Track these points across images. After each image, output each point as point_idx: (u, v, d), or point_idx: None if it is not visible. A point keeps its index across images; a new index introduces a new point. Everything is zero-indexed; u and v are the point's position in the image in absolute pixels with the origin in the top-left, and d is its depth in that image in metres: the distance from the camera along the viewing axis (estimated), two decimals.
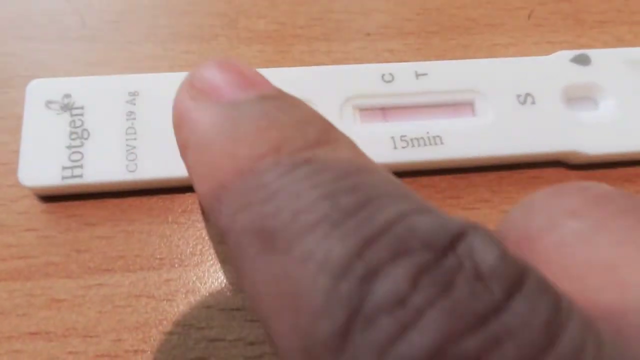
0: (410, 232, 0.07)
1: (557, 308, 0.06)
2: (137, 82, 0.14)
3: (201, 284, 0.13)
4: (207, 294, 0.13)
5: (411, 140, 0.14)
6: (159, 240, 0.14)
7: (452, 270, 0.06)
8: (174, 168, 0.13)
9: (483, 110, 0.15)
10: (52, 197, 0.14)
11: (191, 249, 0.14)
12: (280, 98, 0.09)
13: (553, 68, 0.16)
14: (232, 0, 0.17)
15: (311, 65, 0.16)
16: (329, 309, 0.06)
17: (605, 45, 0.18)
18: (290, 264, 0.07)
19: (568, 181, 0.15)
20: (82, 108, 0.14)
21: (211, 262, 0.13)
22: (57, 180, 0.13)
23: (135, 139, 0.14)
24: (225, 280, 0.13)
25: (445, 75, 0.15)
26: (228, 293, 0.13)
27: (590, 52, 0.16)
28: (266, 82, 0.10)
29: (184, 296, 0.13)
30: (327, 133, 0.09)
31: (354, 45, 0.17)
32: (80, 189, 0.13)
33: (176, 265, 0.13)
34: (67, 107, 0.14)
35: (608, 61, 0.16)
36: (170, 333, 0.13)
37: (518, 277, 0.06)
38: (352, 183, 0.08)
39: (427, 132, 0.15)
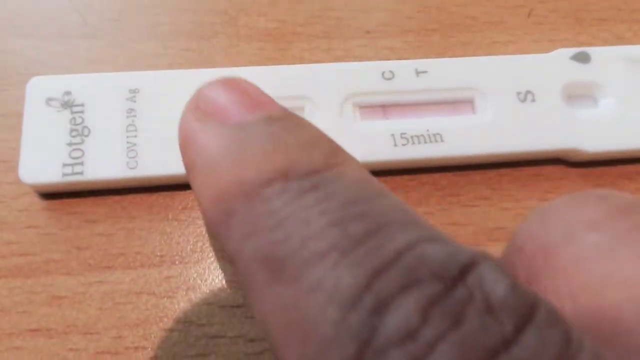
0: (420, 261, 0.07)
1: (568, 340, 0.06)
2: (138, 80, 0.14)
3: (202, 281, 0.13)
4: (208, 291, 0.13)
5: (411, 137, 0.14)
6: (159, 237, 0.14)
7: (463, 301, 0.06)
8: (174, 165, 0.14)
9: (483, 107, 0.15)
10: (52, 195, 0.14)
11: (191, 246, 0.14)
12: (286, 118, 0.09)
13: (553, 66, 0.16)
14: None
15: (311, 63, 0.16)
16: (338, 340, 0.06)
17: (605, 43, 0.18)
18: (299, 293, 0.07)
19: (569, 179, 0.15)
20: (82, 105, 0.14)
21: (212, 259, 0.13)
22: (57, 177, 0.13)
23: (135, 136, 0.14)
24: (225, 278, 0.13)
25: (445, 72, 0.15)
26: (228, 290, 0.13)
27: (590, 50, 0.16)
28: (272, 102, 0.09)
29: (184, 293, 0.13)
30: (334, 155, 0.09)
31: (354, 43, 0.17)
32: (80, 186, 0.13)
33: (177, 263, 0.13)
34: (67, 105, 0.14)
35: (608, 59, 0.16)
36: (171, 330, 0.13)
37: (528, 309, 0.06)
38: (361, 209, 0.07)
39: (427, 130, 0.15)
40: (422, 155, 0.14)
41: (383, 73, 0.15)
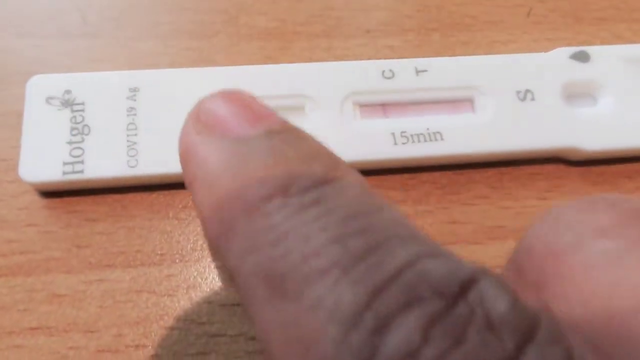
0: (420, 278, 0.07)
1: (569, 358, 0.06)
2: (138, 78, 0.14)
3: (202, 280, 0.13)
4: (208, 290, 0.13)
5: (411, 136, 0.15)
6: (159, 236, 0.14)
7: (464, 319, 0.06)
8: (174, 164, 0.13)
9: (483, 106, 0.15)
10: (52, 193, 0.14)
11: (192, 245, 0.14)
12: (287, 131, 0.09)
13: (552, 65, 0.16)
14: None
15: (311, 62, 0.16)
16: (339, 359, 0.06)
17: (604, 42, 0.18)
18: (299, 310, 0.07)
19: (568, 178, 0.15)
20: (82, 104, 0.14)
21: (212, 257, 0.14)
22: (58, 175, 0.13)
23: (136, 134, 0.14)
24: (225, 276, 0.13)
25: (445, 71, 0.15)
26: (229, 288, 0.13)
27: (590, 49, 0.16)
28: (272, 115, 0.09)
29: (184, 292, 0.13)
30: (334, 168, 0.09)
31: (354, 42, 0.17)
32: (81, 184, 0.13)
33: (177, 261, 0.13)
34: (67, 103, 0.14)
35: (607, 58, 0.16)
36: (171, 328, 0.13)
37: (530, 327, 0.06)
38: (361, 224, 0.07)
39: (427, 128, 0.15)
40: (422, 153, 0.14)
41: (383, 72, 0.15)
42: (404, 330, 0.06)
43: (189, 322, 0.13)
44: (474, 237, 0.14)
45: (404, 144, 0.14)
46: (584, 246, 0.08)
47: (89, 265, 0.13)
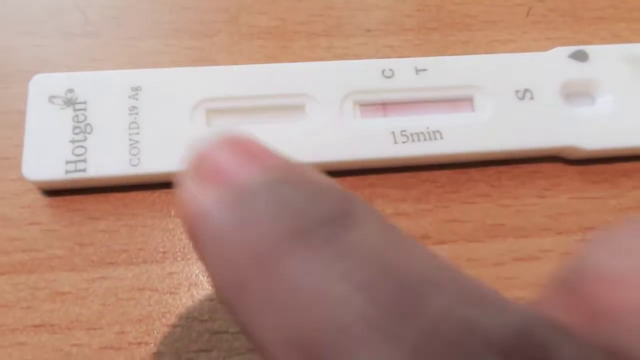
0: (465, 330, 0.06)
1: None
2: (140, 77, 0.14)
3: (204, 277, 0.13)
4: (210, 287, 0.13)
5: (411, 135, 0.15)
6: (161, 233, 0.14)
7: None
8: (176, 162, 0.14)
9: (482, 105, 0.15)
10: (55, 191, 0.14)
11: None
12: (291, 172, 0.08)
13: (551, 64, 0.16)
14: None
15: (312, 61, 0.16)
16: None
17: (603, 41, 0.18)
18: None
19: (567, 176, 0.15)
20: (84, 103, 0.14)
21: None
22: (60, 174, 0.13)
23: (138, 133, 0.14)
24: None
25: (444, 71, 0.16)
26: None
27: (588, 49, 0.16)
28: (274, 156, 0.09)
29: (186, 289, 0.13)
30: (347, 202, 0.08)
31: (354, 41, 0.17)
32: (83, 183, 0.14)
33: (179, 259, 0.13)
34: (70, 102, 0.14)
35: (605, 57, 0.16)
36: (174, 326, 0.13)
37: None
38: (385, 267, 0.07)
39: (427, 127, 0.15)
40: (421, 152, 0.15)
41: (383, 71, 0.15)
42: None
43: (191, 319, 0.13)
44: (474, 235, 0.14)
45: (404, 142, 0.15)
46: None
47: (91, 263, 0.13)
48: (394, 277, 0.06)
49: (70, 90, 0.14)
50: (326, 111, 0.15)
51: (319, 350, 0.06)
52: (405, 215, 0.14)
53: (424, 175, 0.15)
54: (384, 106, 0.15)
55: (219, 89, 0.15)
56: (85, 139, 0.14)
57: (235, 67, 0.15)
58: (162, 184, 0.14)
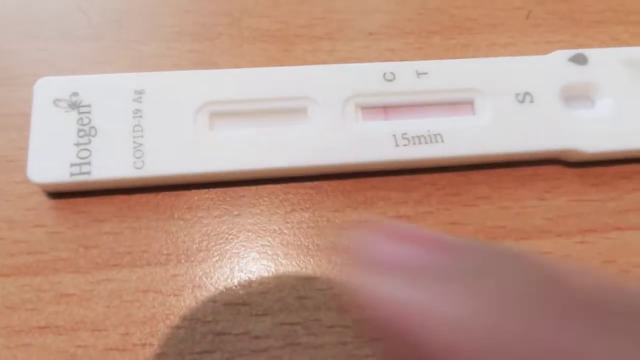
0: None
1: None
2: (143, 81, 0.14)
3: (207, 279, 0.13)
4: (213, 289, 0.13)
5: (412, 138, 0.15)
6: (165, 236, 0.14)
7: None
8: (180, 165, 0.14)
9: (483, 108, 0.15)
10: (60, 194, 0.14)
11: (197, 245, 0.14)
12: (476, 249, 0.08)
13: (551, 67, 0.16)
14: None
15: (314, 64, 0.16)
16: None
17: (602, 44, 0.18)
18: None
19: (567, 179, 0.16)
20: (89, 106, 0.14)
21: (217, 257, 0.14)
22: (65, 177, 0.13)
23: (142, 136, 0.14)
24: (231, 276, 0.14)
25: (445, 74, 0.16)
26: (234, 288, 0.13)
27: (588, 52, 0.16)
28: (446, 238, 0.08)
29: (190, 291, 0.13)
30: (558, 267, 0.07)
31: (356, 45, 0.17)
32: (88, 185, 0.14)
33: (182, 261, 0.14)
34: (74, 105, 0.14)
35: (605, 61, 0.16)
36: (177, 327, 0.13)
37: None
38: None
39: (428, 130, 0.15)
40: (422, 155, 0.15)
41: (384, 74, 0.15)
42: None
43: (194, 321, 0.13)
44: (475, 237, 0.14)
45: (405, 145, 0.15)
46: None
47: (96, 265, 0.13)
48: None
49: (75, 94, 0.14)
50: (328, 114, 0.15)
51: None
52: (407, 218, 0.15)
53: (424, 177, 0.15)
54: (385, 109, 0.15)
55: (222, 92, 0.15)
56: (90, 141, 0.14)
57: (238, 70, 0.15)
58: (166, 187, 0.14)
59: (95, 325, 0.13)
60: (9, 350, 0.12)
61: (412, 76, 0.16)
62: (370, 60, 0.17)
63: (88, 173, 0.13)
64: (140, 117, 0.14)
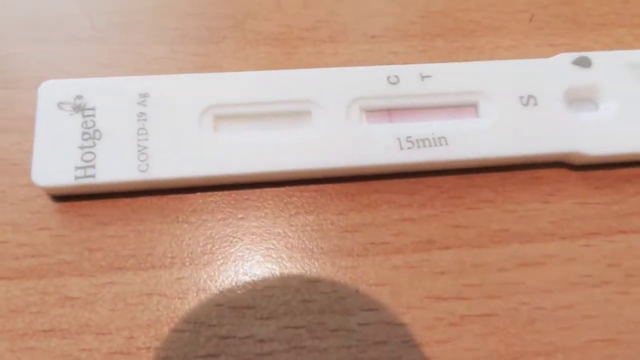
0: None
1: None
2: (148, 84, 0.14)
3: (212, 283, 0.13)
4: (218, 292, 0.13)
5: (416, 141, 0.15)
6: (169, 239, 0.14)
7: None
8: (184, 168, 0.14)
9: (487, 111, 0.15)
10: (64, 197, 0.14)
11: (201, 248, 0.14)
12: None
13: (555, 70, 0.16)
14: (238, 2, 0.18)
15: (317, 67, 0.16)
16: None
17: (606, 47, 0.18)
18: None
19: (571, 182, 0.16)
20: (93, 109, 0.14)
21: (221, 260, 0.14)
22: (70, 180, 0.13)
23: (146, 139, 0.14)
24: (235, 279, 0.13)
25: (449, 77, 0.16)
26: (238, 291, 0.13)
27: (591, 55, 0.16)
28: None
29: (195, 294, 0.13)
30: None
31: (359, 47, 0.17)
32: (92, 189, 0.14)
33: (187, 264, 0.14)
34: (79, 108, 0.14)
35: (609, 63, 0.16)
36: (182, 330, 0.13)
37: None
38: None
39: (432, 133, 0.15)
40: (427, 158, 0.15)
41: (388, 77, 0.15)
42: None
43: (199, 324, 0.13)
44: (478, 240, 0.14)
45: (409, 148, 0.15)
46: None
47: (100, 269, 0.13)
48: None
49: (79, 97, 0.14)
50: (332, 117, 0.15)
51: None
52: (411, 221, 0.15)
53: (428, 180, 0.15)
54: (390, 112, 0.15)
55: (226, 95, 0.15)
56: (94, 145, 0.14)
57: (242, 73, 0.15)
58: (170, 190, 0.14)
59: (100, 329, 0.13)
60: (13, 353, 0.12)
61: (416, 79, 0.16)
62: (374, 63, 0.17)
63: (92, 176, 0.13)
64: (145, 120, 0.14)
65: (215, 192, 0.14)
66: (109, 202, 0.14)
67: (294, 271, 0.14)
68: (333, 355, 0.13)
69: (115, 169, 0.13)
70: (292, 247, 0.14)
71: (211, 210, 0.14)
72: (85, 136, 0.14)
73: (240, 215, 0.14)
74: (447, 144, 0.15)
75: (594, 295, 0.14)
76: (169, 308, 0.13)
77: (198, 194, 0.14)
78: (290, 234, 0.14)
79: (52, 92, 0.14)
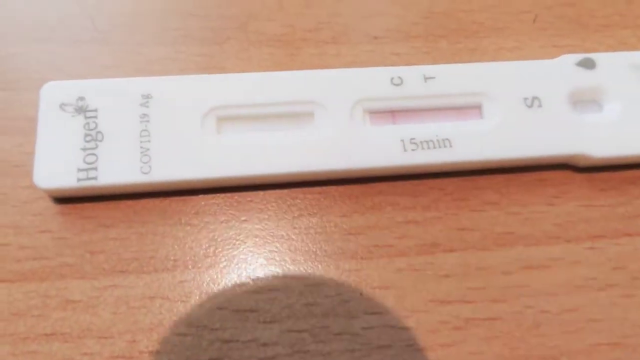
0: None
1: None
2: (150, 85, 0.14)
3: (215, 286, 0.13)
4: (221, 296, 0.13)
5: (420, 143, 0.15)
6: (172, 241, 0.14)
7: None
8: (187, 170, 0.14)
9: (491, 113, 0.15)
10: (66, 199, 0.14)
11: (204, 251, 0.14)
12: None
13: (559, 71, 0.16)
14: (241, 3, 0.18)
15: (320, 68, 0.16)
16: None
17: (610, 48, 0.18)
18: None
19: (575, 184, 0.15)
20: (96, 111, 0.14)
21: (224, 263, 0.14)
22: (72, 182, 0.13)
23: (149, 141, 0.14)
24: (238, 282, 0.13)
25: (453, 78, 0.16)
26: (241, 294, 0.13)
27: (595, 56, 0.16)
28: None
29: (197, 297, 0.13)
30: None
31: (361, 48, 0.17)
32: (95, 191, 0.14)
33: (190, 267, 0.13)
34: (81, 110, 0.14)
35: (613, 65, 0.16)
36: (184, 334, 0.13)
37: None
38: None
39: (436, 135, 0.15)
40: (431, 160, 0.15)
41: (392, 79, 0.15)
42: None
43: (201, 327, 0.13)
44: (483, 243, 0.14)
45: (413, 150, 0.15)
46: None
47: (102, 271, 0.13)
48: None
49: (81, 98, 0.14)
50: (335, 119, 0.15)
51: None
52: (415, 223, 0.15)
53: (432, 182, 0.15)
54: (393, 114, 0.15)
55: (230, 96, 0.15)
56: (97, 146, 0.14)
57: (245, 74, 0.15)
58: (173, 192, 0.14)
59: (102, 333, 0.13)
60: (15, 357, 0.12)
61: (419, 80, 0.15)
62: (376, 64, 0.17)
63: (95, 178, 0.13)
64: (147, 121, 0.14)
65: (218, 194, 0.14)
66: (111, 204, 0.14)
67: (297, 274, 0.14)
68: (337, 359, 0.13)
69: (117, 171, 0.13)
70: (295, 250, 0.14)
71: (214, 212, 0.14)
72: (88, 138, 0.14)
73: (243, 218, 0.14)
74: (451, 145, 0.15)
75: (599, 298, 0.14)
76: (172, 311, 0.13)
77: (201, 196, 0.14)
78: (293, 237, 0.14)
79: (54, 94, 0.14)
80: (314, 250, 0.14)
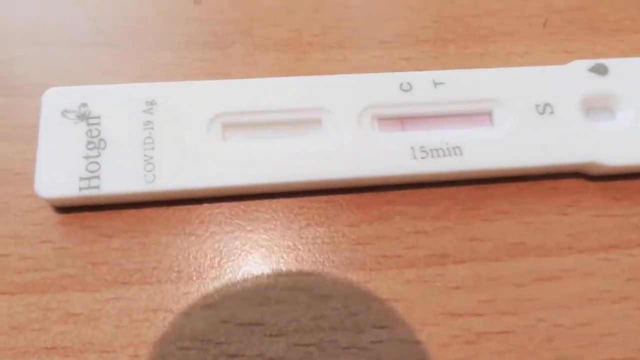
0: None
1: None
2: (154, 91, 0.14)
3: (220, 298, 0.13)
4: (226, 308, 0.13)
5: (430, 150, 0.14)
6: (176, 252, 0.13)
7: None
8: (192, 179, 0.13)
9: (501, 120, 0.15)
10: (67, 208, 0.14)
11: (209, 262, 0.13)
12: None
13: (571, 77, 0.16)
14: (246, 7, 0.17)
15: (327, 73, 0.16)
16: None
17: (621, 54, 0.18)
18: None
19: (588, 193, 0.15)
20: (98, 117, 0.14)
21: (230, 275, 0.13)
22: (74, 191, 0.13)
23: (153, 149, 0.13)
24: (244, 294, 0.13)
25: (463, 84, 0.15)
26: (247, 307, 0.13)
27: (608, 62, 0.16)
28: None
29: (202, 310, 0.13)
30: None
31: (369, 53, 0.17)
32: (97, 200, 0.13)
33: (194, 278, 0.13)
34: (83, 117, 0.14)
35: (625, 71, 0.16)
36: (188, 348, 0.12)
37: None
38: None
39: (446, 143, 0.14)
40: (440, 169, 0.14)
41: (401, 84, 0.15)
42: None
43: (206, 341, 0.12)
44: (494, 254, 0.14)
45: (423, 158, 0.14)
46: None
47: (104, 283, 0.13)
48: None
49: (84, 105, 0.14)
50: (343, 125, 0.14)
51: None
52: (424, 233, 0.14)
53: (443, 191, 0.15)
54: (402, 120, 0.15)
55: (235, 102, 0.14)
56: (99, 154, 0.13)
57: (251, 80, 0.15)
58: (177, 201, 0.14)
59: (104, 347, 0.12)
60: None
61: (429, 86, 0.15)
62: (385, 69, 0.16)
63: (97, 187, 0.13)
64: (151, 128, 0.14)
65: (223, 203, 0.14)
66: (113, 214, 0.14)
67: (304, 286, 0.13)
68: None
69: (120, 179, 0.13)
70: (302, 261, 0.14)
71: (219, 222, 0.14)
72: (90, 145, 0.13)
73: (249, 228, 0.14)
74: (461, 153, 0.14)
75: (613, 311, 0.14)
76: (175, 324, 0.13)
77: (205, 205, 0.14)
78: (300, 247, 0.14)
79: (56, 100, 0.14)
80: (322, 260, 0.14)
